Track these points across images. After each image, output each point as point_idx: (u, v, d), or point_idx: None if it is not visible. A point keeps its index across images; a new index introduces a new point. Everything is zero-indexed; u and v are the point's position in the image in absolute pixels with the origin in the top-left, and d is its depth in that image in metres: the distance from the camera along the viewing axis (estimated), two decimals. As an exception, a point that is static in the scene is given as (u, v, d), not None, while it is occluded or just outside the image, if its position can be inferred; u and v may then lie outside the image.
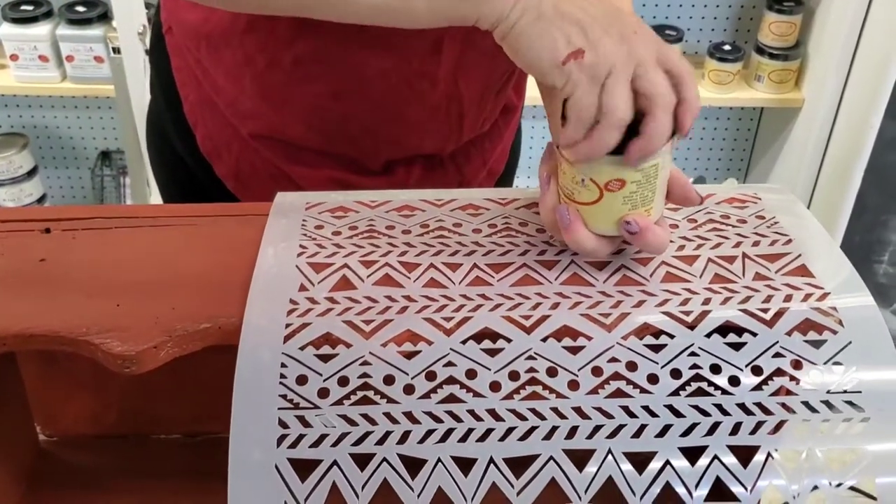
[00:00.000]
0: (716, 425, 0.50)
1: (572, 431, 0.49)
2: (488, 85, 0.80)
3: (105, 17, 1.74)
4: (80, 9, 1.75)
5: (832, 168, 1.78)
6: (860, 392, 0.51)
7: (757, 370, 0.51)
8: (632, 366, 0.51)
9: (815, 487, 0.48)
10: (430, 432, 0.49)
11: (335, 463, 0.48)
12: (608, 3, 0.58)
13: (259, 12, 0.68)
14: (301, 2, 0.62)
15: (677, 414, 0.50)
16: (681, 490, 0.48)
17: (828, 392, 0.51)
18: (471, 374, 0.51)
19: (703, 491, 0.48)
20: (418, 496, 0.47)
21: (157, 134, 0.90)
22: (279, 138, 0.80)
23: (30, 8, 1.75)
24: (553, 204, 0.58)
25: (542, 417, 0.50)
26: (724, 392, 0.51)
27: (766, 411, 0.50)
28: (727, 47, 1.79)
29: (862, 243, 1.82)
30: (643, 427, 0.49)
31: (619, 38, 0.55)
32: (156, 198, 1.74)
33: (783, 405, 0.50)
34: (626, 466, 0.49)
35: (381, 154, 0.81)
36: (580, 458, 0.49)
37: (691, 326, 0.54)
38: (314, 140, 0.79)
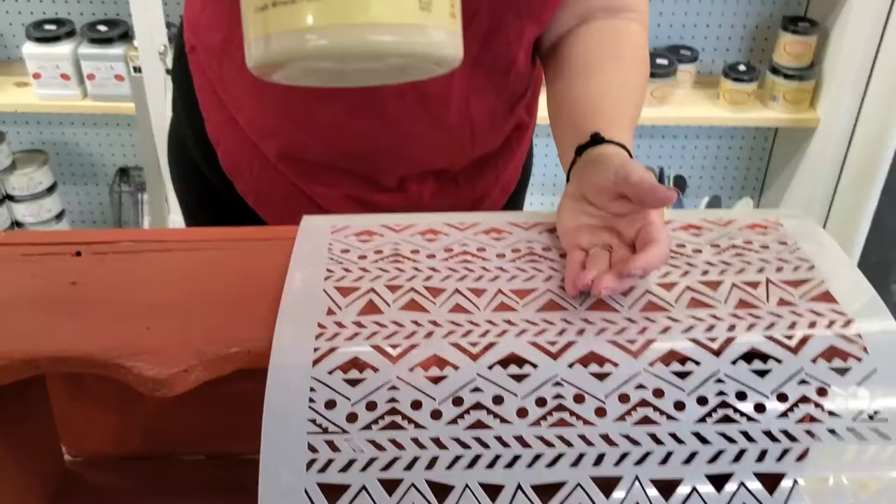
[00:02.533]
0: (742, 452, 0.50)
1: (599, 458, 0.49)
2: (499, 105, 0.81)
3: (126, 36, 1.76)
4: (102, 28, 1.77)
5: (848, 188, 1.78)
6: (886, 420, 0.51)
7: (782, 397, 0.52)
8: (658, 392, 0.52)
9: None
10: (457, 458, 0.49)
11: (364, 488, 0.48)
12: None
13: None
14: None
15: (704, 441, 0.50)
16: (707, 517, 0.48)
17: (853, 419, 0.51)
18: (498, 399, 0.51)
19: (729, 518, 0.48)
20: (446, 521, 0.48)
21: (178, 150, 0.92)
22: (298, 156, 0.81)
23: (52, 27, 1.77)
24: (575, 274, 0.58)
25: (570, 444, 0.50)
26: (750, 419, 0.51)
27: (792, 438, 0.50)
28: (742, 67, 1.79)
29: (879, 264, 1.82)
30: (670, 454, 0.50)
31: None
32: (174, 215, 1.75)
33: (809, 432, 0.51)
34: (653, 493, 0.49)
35: (395, 171, 0.82)
36: (607, 485, 0.49)
37: (717, 353, 0.54)
38: (332, 157, 0.81)
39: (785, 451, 0.50)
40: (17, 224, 1.96)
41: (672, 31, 1.88)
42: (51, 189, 1.95)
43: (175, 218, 1.75)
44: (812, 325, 0.56)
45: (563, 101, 0.73)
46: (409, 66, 0.43)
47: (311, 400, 0.51)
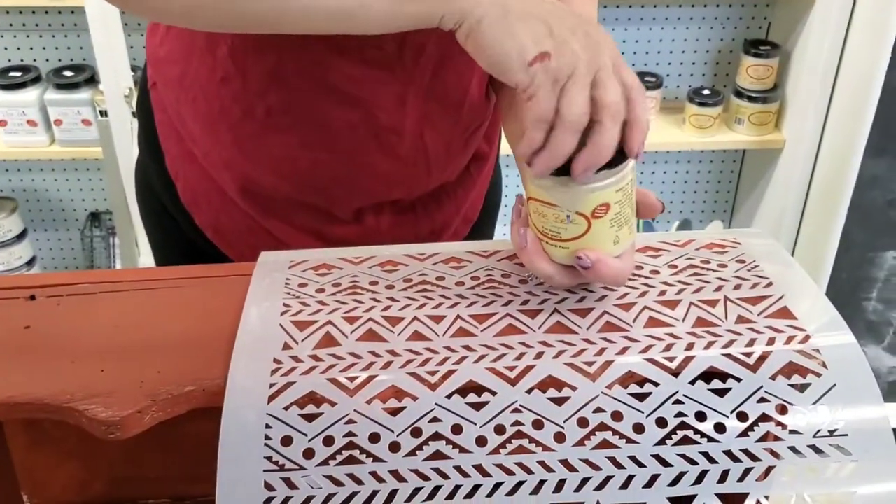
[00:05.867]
0: (703, 473, 0.50)
1: (560, 484, 0.49)
2: (454, 137, 0.82)
3: (92, 80, 1.76)
4: (68, 73, 1.76)
5: (816, 207, 1.79)
6: (847, 435, 0.51)
7: (742, 416, 0.51)
8: (617, 416, 0.51)
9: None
10: (417, 490, 0.49)
11: (322, 524, 0.48)
12: (573, 10, 0.58)
13: (217, 29, 0.68)
14: (258, 11, 0.60)
15: (664, 463, 0.50)
16: (671, 540, 0.48)
17: (814, 436, 0.51)
18: (456, 429, 0.51)
19: (693, 540, 0.48)
20: (407, 555, 0.47)
21: (143, 186, 0.92)
22: (253, 189, 0.81)
23: (18, 74, 1.76)
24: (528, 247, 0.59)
25: (530, 471, 0.49)
26: (711, 439, 0.51)
27: (754, 458, 0.50)
28: (706, 92, 1.81)
29: (849, 280, 1.83)
30: (631, 478, 0.49)
31: (584, 41, 0.55)
32: (145, 258, 1.74)
33: (770, 451, 0.50)
34: (616, 518, 0.48)
35: (350, 202, 0.82)
36: (569, 511, 0.48)
37: (675, 373, 0.54)
38: (285, 189, 0.81)
39: (747, 471, 0.50)
40: (-14, 272, 1.94)
41: (636, 58, 1.90)
42: (21, 236, 1.93)
43: (145, 261, 1.73)
44: (771, 341, 0.56)
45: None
46: None
47: (266, 437, 0.50)
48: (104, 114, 1.63)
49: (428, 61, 0.74)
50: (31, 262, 1.98)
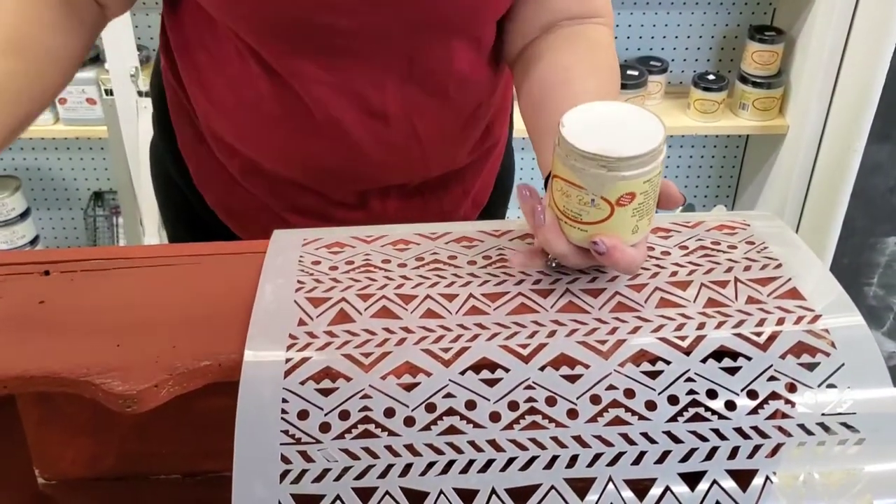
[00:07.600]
0: (714, 450, 0.50)
1: (573, 460, 0.50)
2: (446, 122, 0.80)
3: (97, 59, 1.75)
4: (72, 52, 1.76)
5: (819, 192, 1.80)
6: (855, 413, 0.51)
7: (752, 394, 0.52)
8: (630, 393, 0.52)
9: (815, 509, 0.49)
10: (431, 464, 0.49)
11: (338, 497, 0.48)
12: None
13: None
14: None
15: (676, 440, 0.50)
16: (682, 515, 0.49)
17: (823, 414, 0.52)
18: (470, 404, 0.51)
19: (703, 515, 0.49)
20: (421, 528, 0.48)
21: (157, 163, 0.93)
22: (258, 172, 0.82)
23: (22, 52, 1.76)
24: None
25: (543, 447, 0.50)
26: (721, 417, 0.51)
27: (763, 435, 0.51)
28: (711, 77, 1.81)
29: (851, 266, 1.84)
30: (643, 454, 0.50)
31: None
32: (150, 238, 1.74)
33: (779, 428, 0.51)
34: (627, 493, 0.49)
35: (351, 187, 0.83)
36: (581, 487, 0.49)
37: (687, 352, 0.54)
38: (289, 174, 0.81)
39: (756, 448, 0.50)
40: (-10, 251, 1.94)
41: (642, 42, 1.90)
42: (24, 215, 1.94)
43: (150, 241, 1.73)
44: (780, 321, 0.56)
45: (543, 111, 0.73)
46: None
47: (283, 411, 0.51)
48: (109, 93, 1.63)
49: (399, 47, 0.73)
50: (34, 241, 1.98)
